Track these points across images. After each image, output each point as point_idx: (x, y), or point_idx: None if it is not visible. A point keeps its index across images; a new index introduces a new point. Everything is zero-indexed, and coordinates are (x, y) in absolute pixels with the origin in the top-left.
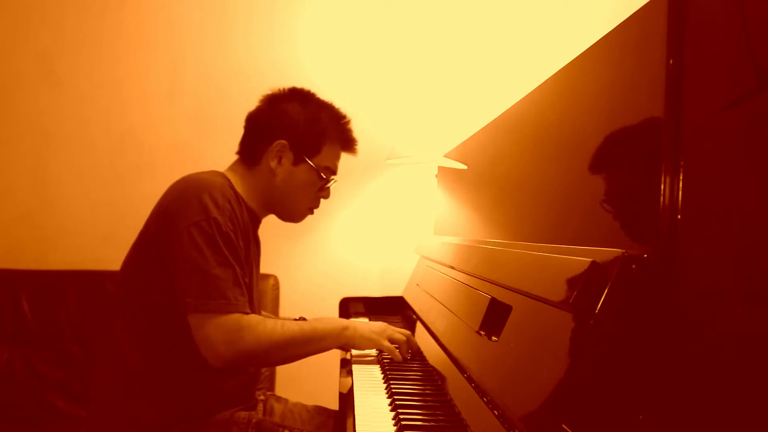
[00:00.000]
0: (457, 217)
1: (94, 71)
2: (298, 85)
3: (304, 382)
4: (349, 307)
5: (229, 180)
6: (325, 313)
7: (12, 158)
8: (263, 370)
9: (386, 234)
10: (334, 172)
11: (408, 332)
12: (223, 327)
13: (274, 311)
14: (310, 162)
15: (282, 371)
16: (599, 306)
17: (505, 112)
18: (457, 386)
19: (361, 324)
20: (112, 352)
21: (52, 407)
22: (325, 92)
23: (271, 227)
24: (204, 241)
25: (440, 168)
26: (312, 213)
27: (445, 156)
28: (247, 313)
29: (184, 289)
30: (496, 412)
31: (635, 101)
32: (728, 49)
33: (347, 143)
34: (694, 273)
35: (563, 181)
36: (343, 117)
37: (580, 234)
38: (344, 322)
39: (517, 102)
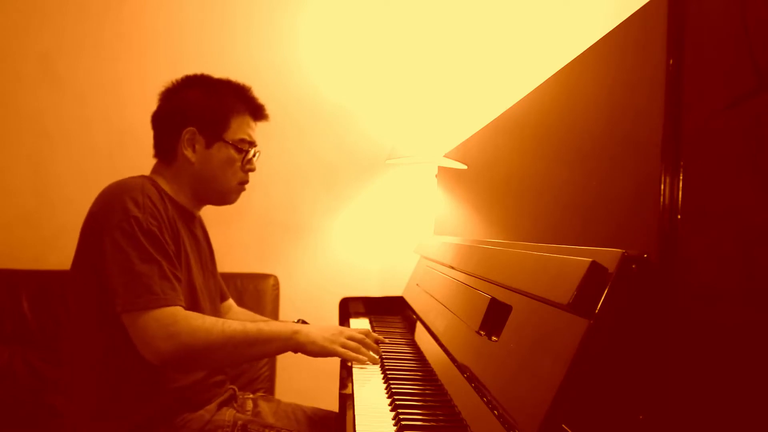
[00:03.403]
0: (457, 217)
1: (94, 71)
2: (299, 86)
3: (304, 384)
4: (349, 307)
5: (152, 180)
6: (325, 313)
7: (12, 158)
8: (262, 369)
9: (386, 234)
10: (252, 143)
11: (366, 330)
12: (156, 321)
13: (274, 311)
14: (222, 139)
15: (281, 372)
16: (599, 306)
17: (505, 112)
18: (457, 386)
19: (315, 328)
20: (71, 362)
21: (52, 407)
22: (324, 92)
23: (271, 227)
24: (125, 241)
25: (440, 168)
26: (244, 189)
27: (445, 156)
28: (182, 308)
29: (113, 291)
30: (496, 412)
31: (635, 101)
32: (728, 49)
33: (255, 111)
34: (694, 273)
35: (563, 181)
36: (244, 87)
37: (580, 234)
38: (296, 326)
39: (517, 102)
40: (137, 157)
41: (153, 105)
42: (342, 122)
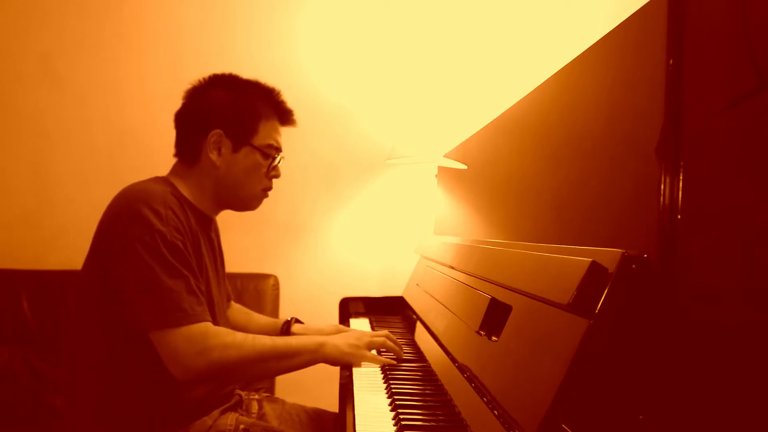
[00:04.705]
0: (457, 217)
1: (94, 71)
2: (299, 86)
3: (305, 384)
4: (349, 307)
5: (171, 184)
6: (325, 313)
7: (12, 158)
8: None
9: (386, 234)
10: (279, 149)
11: (385, 332)
12: (188, 339)
13: (274, 311)
14: (250, 144)
15: None
16: (599, 306)
17: (505, 112)
18: (457, 386)
19: (338, 338)
20: (72, 363)
21: (52, 407)
22: (324, 92)
23: (271, 227)
24: (150, 256)
25: (440, 168)
26: (267, 196)
27: (445, 156)
28: (210, 323)
29: (139, 307)
30: (496, 412)
31: (635, 101)
32: (728, 49)
33: (283, 115)
34: (694, 273)
35: (563, 181)
36: (273, 90)
37: (580, 234)
38: (321, 338)
39: (517, 102)
40: (137, 157)
41: (153, 105)
42: (342, 122)
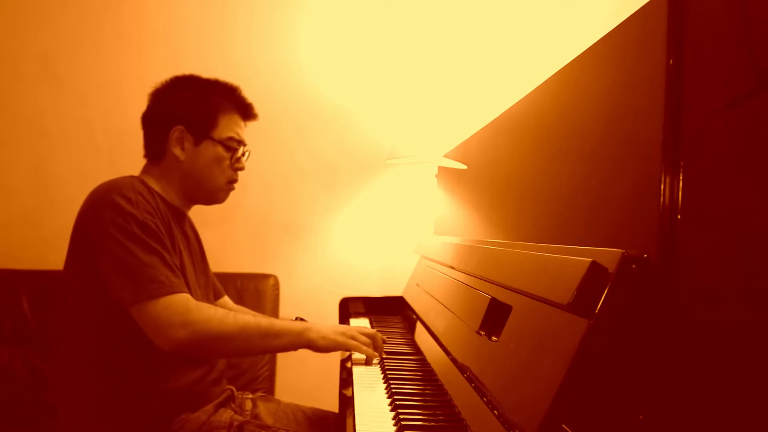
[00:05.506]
0: (457, 217)
1: (95, 71)
2: (299, 86)
3: (304, 384)
4: (349, 307)
5: (141, 179)
6: (325, 313)
7: (12, 158)
8: (262, 369)
9: (386, 234)
10: (241, 142)
11: (374, 331)
12: (167, 309)
13: (274, 311)
14: (210, 138)
15: (281, 372)
16: (599, 306)
17: (505, 112)
18: (457, 386)
19: (325, 327)
20: (71, 362)
21: (52, 407)
22: (324, 92)
23: (271, 227)
24: (124, 236)
25: (440, 168)
26: (233, 188)
27: (445, 156)
28: (190, 296)
29: (119, 287)
30: (496, 412)
31: (635, 101)
32: (728, 49)
33: (243, 109)
34: (694, 273)
35: (563, 181)
36: (233, 87)
37: (580, 234)
38: (307, 324)
39: (518, 102)
40: (137, 157)
41: None
42: (342, 122)
